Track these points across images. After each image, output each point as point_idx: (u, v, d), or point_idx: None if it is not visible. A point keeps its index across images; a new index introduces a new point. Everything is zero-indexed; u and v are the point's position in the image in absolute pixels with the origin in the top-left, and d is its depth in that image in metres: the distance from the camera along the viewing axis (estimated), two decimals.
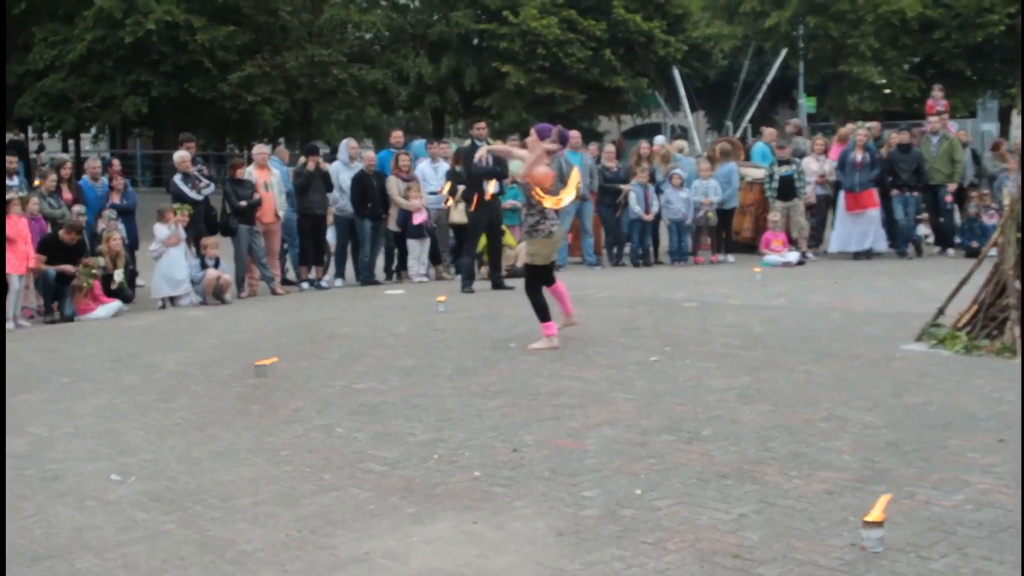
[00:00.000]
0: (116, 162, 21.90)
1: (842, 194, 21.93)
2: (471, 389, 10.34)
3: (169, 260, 17.58)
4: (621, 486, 7.22)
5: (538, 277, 12.59)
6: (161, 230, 17.73)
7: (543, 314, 12.38)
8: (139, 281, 19.01)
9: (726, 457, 7.78)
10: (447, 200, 18.91)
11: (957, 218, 22.29)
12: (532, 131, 12.79)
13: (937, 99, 25.85)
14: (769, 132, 24.92)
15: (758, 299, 16.06)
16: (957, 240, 21.95)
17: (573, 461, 7.81)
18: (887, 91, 46.81)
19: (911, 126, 24.22)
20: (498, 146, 15.48)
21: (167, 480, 7.85)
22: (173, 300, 17.65)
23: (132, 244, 19.22)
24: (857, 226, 21.78)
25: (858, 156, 21.38)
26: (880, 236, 21.98)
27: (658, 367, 11.09)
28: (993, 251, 11.95)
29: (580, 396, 9.85)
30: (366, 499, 7.20)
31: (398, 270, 20.32)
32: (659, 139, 25.02)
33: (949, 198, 21.88)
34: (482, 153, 14.89)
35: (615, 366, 11.17)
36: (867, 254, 21.61)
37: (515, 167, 17.05)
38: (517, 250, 18.78)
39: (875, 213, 21.82)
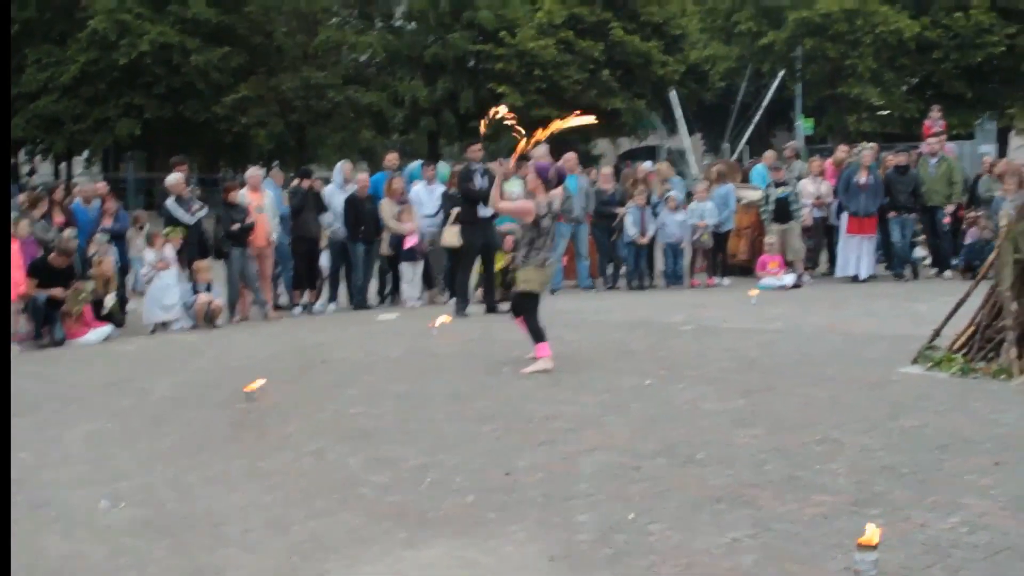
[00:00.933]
0: (103, 184, 21.86)
1: (845, 216, 21.81)
2: (464, 414, 10.29)
3: (160, 285, 17.51)
4: (614, 510, 7.17)
5: (534, 302, 12.56)
6: (150, 255, 17.69)
7: (538, 336, 12.35)
8: (130, 305, 18.93)
9: (720, 481, 7.73)
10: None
11: (967, 237, 22.11)
12: (532, 169, 12.85)
13: (934, 120, 25.84)
14: (768, 155, 24.89)
15: (754, 322, 16.03)
16: (954, 262, 21.86)
17: (566, 485, 7.76)
18: (885, 112, 46.81)
19: (909, 147, 24.18)
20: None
21: (157, 506, 7.80)
22: (164, 325, 17.57)
23: (124, 268, 19.16)
24: (856, 250, 21.68)
25: (863, 178, 21.30)
26: (870, 262, 21.87)
27: (653, 391, 11.04)
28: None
29: (574, 420, 9.80)
30: (358, 524, 7.15)
31: (391, 294, 20.24)
32: (647, 164, 24.99)
33: (947, 220, 21.83)
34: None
35: (610, 390, 11.12)
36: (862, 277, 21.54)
37: (510, 187, 17.05)
38: None
39: (872, 239, 21.76)
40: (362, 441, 9.41)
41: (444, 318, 15.74)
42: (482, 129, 13.60)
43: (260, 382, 11.51)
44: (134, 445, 9.74)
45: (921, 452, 8.29)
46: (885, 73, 45.90)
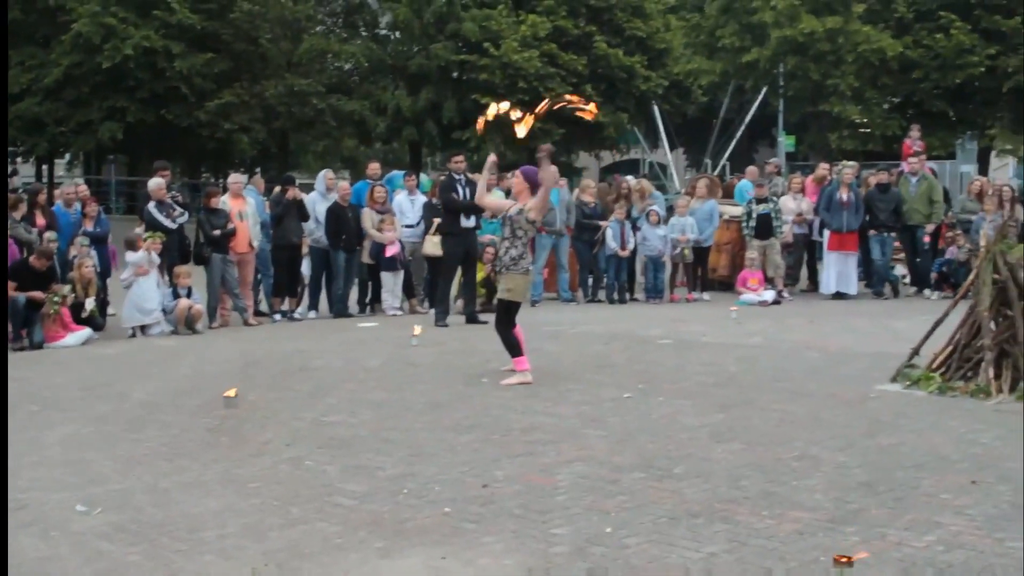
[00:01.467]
0: (84, 187, 21.76)
1: (827, 234, 21.88)
2: (443, 423, 10.28)
3: (140, 289, 17.44)
4: (591, 523, 7.16)
5: (512, 313, 12.56)
6: (131, 257, 17.62)
7: (515, 350, 12.35)
8: (110, 310, 18.85)
9: (697, 495, 7.73)
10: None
11: (946, 254, 22.17)
12: (519, 174, 12.86)
13: (914, 139, 25.93)
14: (751, 170, 24.93)
15: (734, 337, 16.05)
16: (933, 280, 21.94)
17: (544, 498, 7.75)
18: (867, 130, 46.88)
19: (890, 166, 24.25)
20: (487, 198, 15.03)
21: (134, 511, 7.76)
22: (144, 329, 17.50)
23: (104, 272, 19.08)
24: (838, 267, 21.74)
25: (844, 195, 21.37)
26: (853, 279, 21.94)
27: (631, 404, 11.05)
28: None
29: (552, 432, 9.79)
30: (334, 533, 7.13)
31: (371, 303, 20.20)
32: (628, 178, 24.99)
33: (927, 238, 21.91)
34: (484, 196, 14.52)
35: (588, 402, 11.13)
36: (844, 294, 21.59)
37: (491, 198, 17.04)
38: None
39: (853, 255, 21.84)
40: (340, 449, 9.40)
41: (418, 329, 15.71)
42: (480, 127, 13.49)
43: (234, 390, 11.48)
44: (111, 449, 9.70)
45: (898, 470, 8.31)
46: (867, 91, 45.97)
